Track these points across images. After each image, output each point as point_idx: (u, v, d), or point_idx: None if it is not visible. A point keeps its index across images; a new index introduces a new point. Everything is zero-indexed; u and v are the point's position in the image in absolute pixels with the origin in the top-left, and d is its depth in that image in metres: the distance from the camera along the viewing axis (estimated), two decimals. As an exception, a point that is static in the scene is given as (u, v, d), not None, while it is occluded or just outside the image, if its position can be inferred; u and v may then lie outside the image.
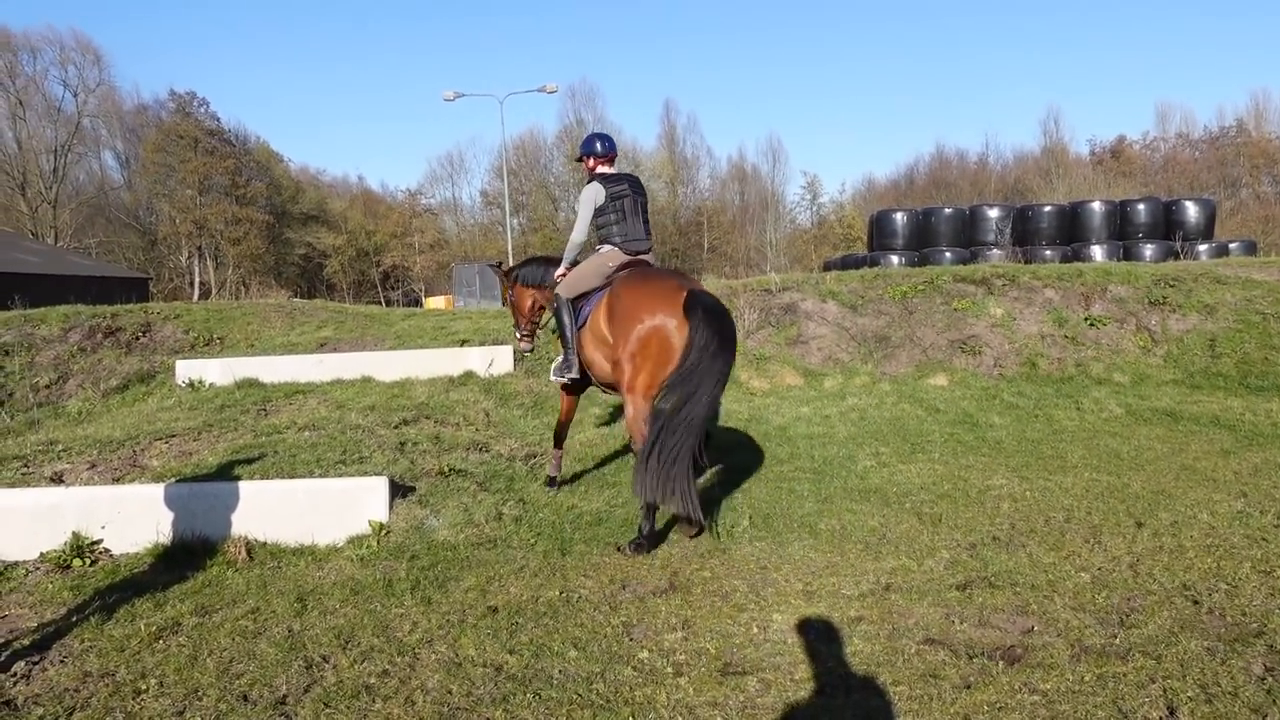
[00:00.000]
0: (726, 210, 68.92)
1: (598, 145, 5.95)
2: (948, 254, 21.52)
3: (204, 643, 3.96)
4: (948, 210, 23.68)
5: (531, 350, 7.18)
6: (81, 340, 13.03)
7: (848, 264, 25.86)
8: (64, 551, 5.06)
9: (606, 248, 5.75)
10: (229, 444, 6.60)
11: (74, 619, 4.30)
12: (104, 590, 4.66)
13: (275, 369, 10.44)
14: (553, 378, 5.96)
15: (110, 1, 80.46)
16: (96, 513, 5.21)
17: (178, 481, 5.43)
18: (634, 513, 5.77)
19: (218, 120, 60.20)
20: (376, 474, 5.64)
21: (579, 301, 5.77)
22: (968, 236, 22.83)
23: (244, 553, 5.09)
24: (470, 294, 28.45)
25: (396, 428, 7.25)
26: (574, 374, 5.80)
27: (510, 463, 6.95)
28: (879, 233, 23.94)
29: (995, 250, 21.55)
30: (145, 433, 7.15)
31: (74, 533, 5.14)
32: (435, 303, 28.31)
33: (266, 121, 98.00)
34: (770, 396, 11.21)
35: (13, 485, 5.53)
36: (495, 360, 10.42)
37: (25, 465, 6.16)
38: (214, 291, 54.62)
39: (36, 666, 3.80)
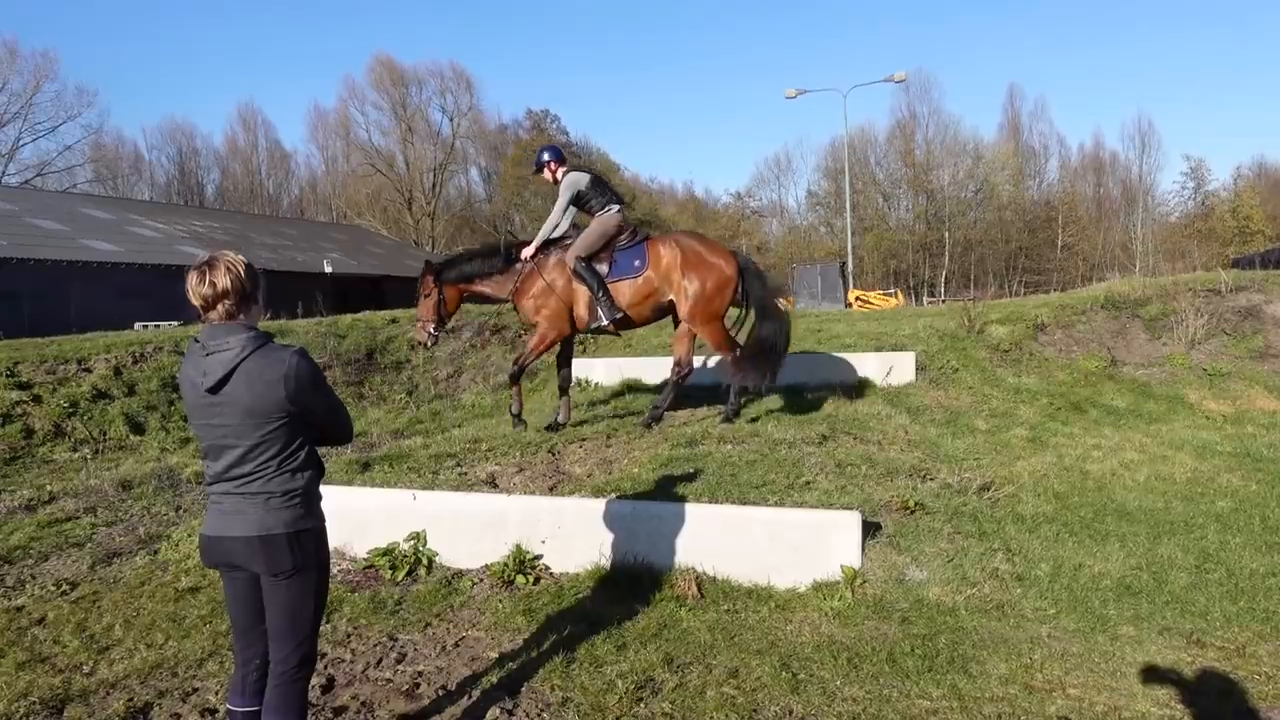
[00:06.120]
0: (1080, 204, 61.54)
1: (545, 155, 7.35)
2: None
3: (692, 714, 3.23)
4: None
5: (435, 344, 8.10)
6: (472, 338, 13.82)
7: (1270, 261, 21.78)
8: (507, 565, 4.69)
9: (612, 209, 7.05)
10: (649, 454, 6.06)
11: (534, 654, 3.82)
12: (555, 618, 4.18)
13: (656, 370, 10.11)
14: (606, 320, 6.84)
15: (477, 31, 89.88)
16: (537, 525, 4.82)
17: (619, 498, 4.89)
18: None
19: (566, 135, 64.70)
20: (844, 507, 4.70)
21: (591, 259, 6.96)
22: None
23: (694, 588, 4.40)
24: (812, 296, 27.39)
25: (819, 444, 6.33)
26: (619, 312, 6.86)
27: (965, 496, 5.74)
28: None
29: None
30: (558, 434, 6.89)
31: (517, 545, 4.77)
32: (774, 305, 27.48)
33: (606, 133, 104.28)
34: (1241, 424, 8.88)
35: (457, 488, 5.34)
36: (894, 368, 9.22)
37: (458, 464, 6.04)
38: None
39: (513, 718, 3.29)
